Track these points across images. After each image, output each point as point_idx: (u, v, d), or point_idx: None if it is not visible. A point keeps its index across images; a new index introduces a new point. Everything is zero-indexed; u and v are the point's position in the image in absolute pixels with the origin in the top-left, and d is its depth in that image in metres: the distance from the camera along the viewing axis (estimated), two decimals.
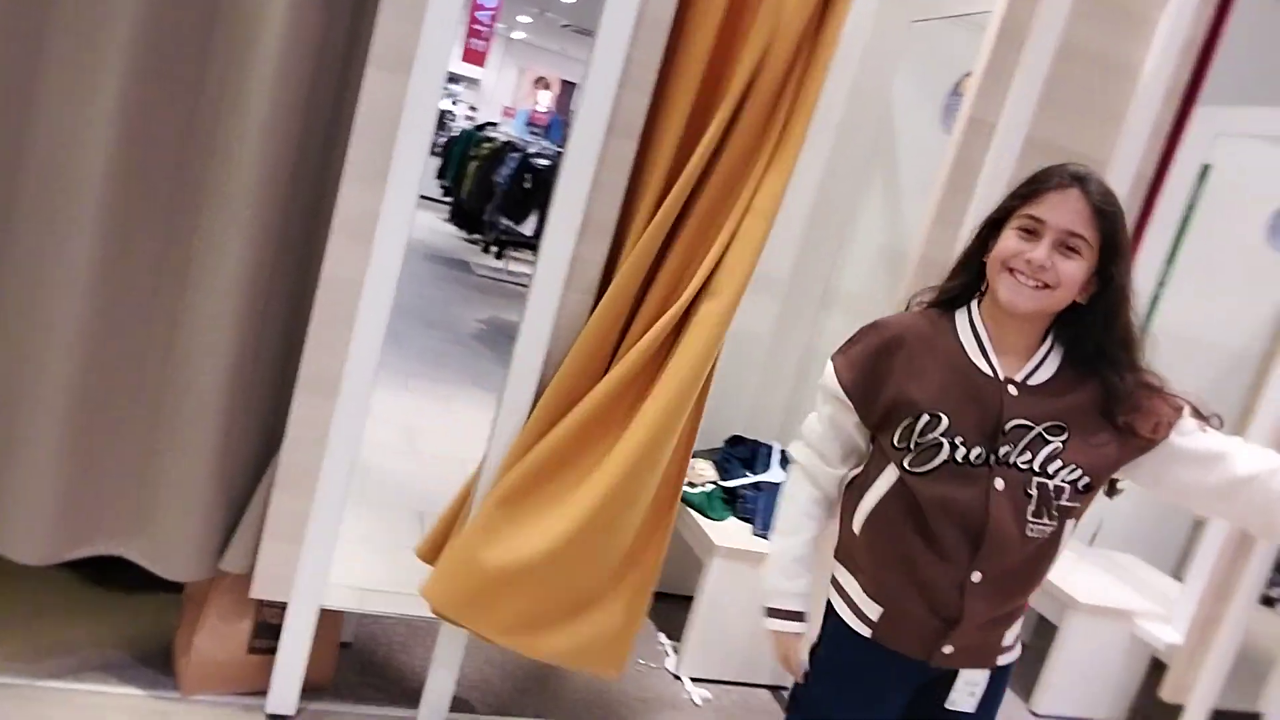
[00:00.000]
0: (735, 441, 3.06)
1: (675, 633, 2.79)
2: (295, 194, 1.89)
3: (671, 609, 2.86)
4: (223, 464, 1.90)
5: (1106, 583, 3.22)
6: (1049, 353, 1.36)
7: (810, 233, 3.14)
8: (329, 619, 2.05)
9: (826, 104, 2.76)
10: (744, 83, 1.91)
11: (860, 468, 1.47)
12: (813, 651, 1.51)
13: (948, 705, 1.42)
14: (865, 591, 1.43)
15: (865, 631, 1.42)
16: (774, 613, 1.49)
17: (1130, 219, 2.34)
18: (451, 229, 9.79)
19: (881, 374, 1.39)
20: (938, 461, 1.32)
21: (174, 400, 1.88)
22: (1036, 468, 1.32)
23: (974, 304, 1.39)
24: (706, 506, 2.72)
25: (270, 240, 1.87)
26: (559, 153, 8.75)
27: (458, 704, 2.17)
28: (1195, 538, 3.20)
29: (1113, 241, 1.29)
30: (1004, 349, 1.36)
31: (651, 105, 1.95)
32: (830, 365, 1.46)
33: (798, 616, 1.48)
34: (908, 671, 1.41)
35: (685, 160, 1.98)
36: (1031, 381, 1.35)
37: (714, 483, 2.83)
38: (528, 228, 8.06)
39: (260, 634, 2.02)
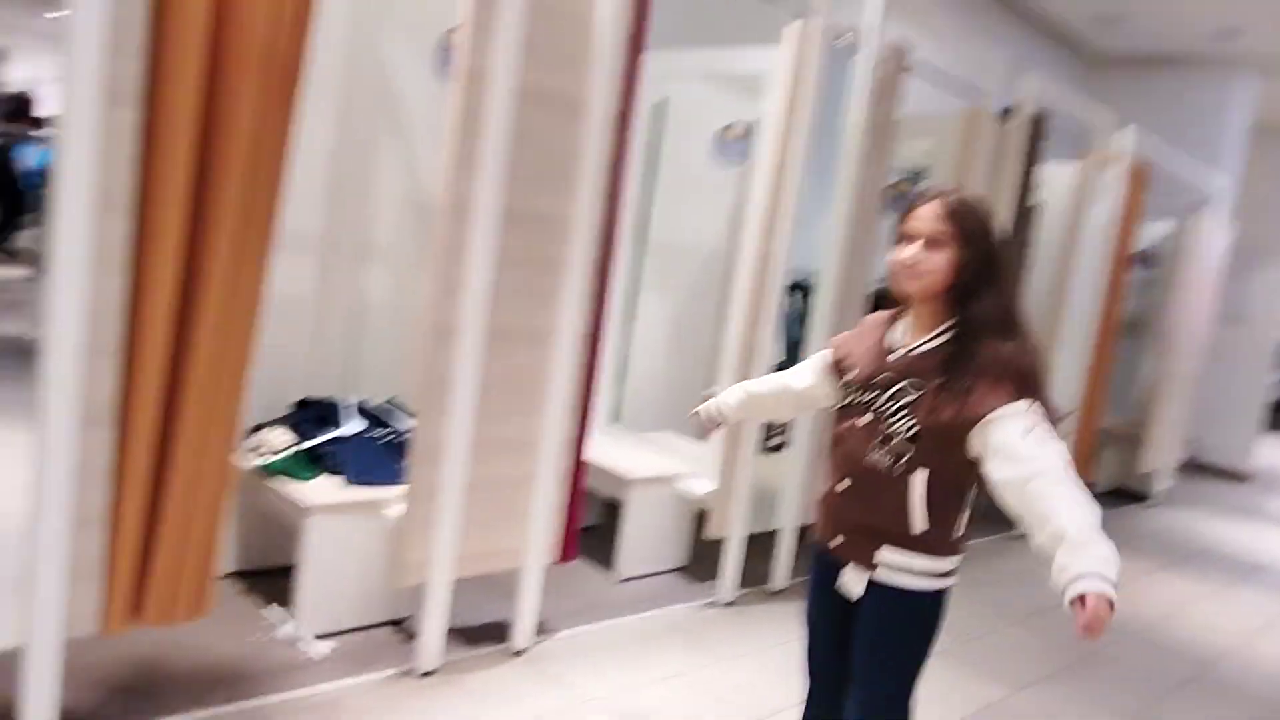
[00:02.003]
0: (304, 404, 3.08)
1: (284, 601, 2.78)
2: None
3: (274, 581, 2.85)
4: None
5: (651, 458, 3.82)
6: (945, 331, 1.74)
7: (334, 192, 3.21)
8: None
9: (325, 65, 2.84)
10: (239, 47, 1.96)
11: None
12: None
13: (837, 587, 1.84)
14: (816, 504, 1.93)
15: (816, 534, 1.92)
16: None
17: (609, 152, 2.78)
18: None
19: (849, 348, 1.90)
20: (842, 403, 1.86)
21: None
22: (889, 412, 1.74)
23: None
24: (293, 470, 2.74)
25: None
26: (4, 133, 7.44)
27: None
28: None
29: (962, 235, 1.70)
30: (919, 327, 1.77)
31: (155, 73, 1.91)
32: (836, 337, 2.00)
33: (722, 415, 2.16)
34: (830, 563, 1.86)
35: (204, 127, 1.98)
36: (919, 350, 1.75)
37: (292, 447, 2.84)
38: None
39: None
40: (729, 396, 2.18)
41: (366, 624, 2.81)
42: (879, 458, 1.74)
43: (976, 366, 1.65)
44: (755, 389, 2.17)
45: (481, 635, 2.92)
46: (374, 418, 3.10)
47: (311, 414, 3.02)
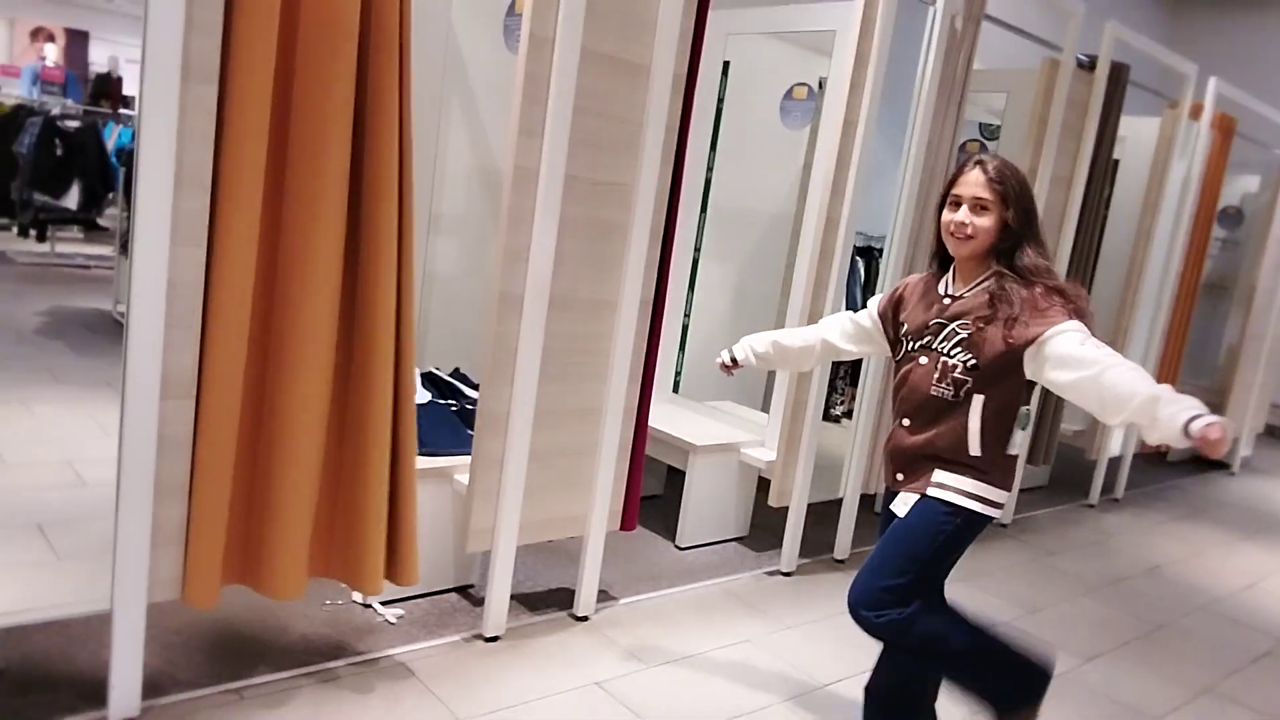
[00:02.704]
0: None
1: None
2: None
3: None
4: None
5: (714, 426, 3.80)
6: (986, 279, 1.97)
7: None
8: None
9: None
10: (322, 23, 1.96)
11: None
12: None
13: (892, 507, 2.08)
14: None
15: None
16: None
17: (675, 114, 2.74)
18: None
19: (896, 310, 2.15)
20: (901, 353, 2.09)
21: None
22: (944, 350, 1.98)
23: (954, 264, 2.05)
24: None
25: None
26: (89, 110, 7.74)
27: (148, 690, 2.09)
28: (771, 379, 3.87)
29: (1005, 198, 1.92)
30: (962, 279, 2.01)
31: (229, 49, 1.92)
32: (873, 300, 2.26)
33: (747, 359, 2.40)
34: (889, 497, 2.13)
35: (278, 102, 2.01)
36: (965, 296, 1.98)
37: None
38: (71, 201, 7.10)
39: None
40: (757, 343, 2.39)
41: (434, 590, 2.87)
42: (941, 390, 1.97)
43: (1023, 299, 1.88)
44: (785, 341, 2.37)
45: (545, 602, 2.96)
46: (441, 387, 3.13)
47: None
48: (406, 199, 2.22)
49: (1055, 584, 3.86)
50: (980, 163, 1.95)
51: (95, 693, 2.06)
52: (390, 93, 2.13)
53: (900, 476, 2.06)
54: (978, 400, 1.94)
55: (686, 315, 4.18)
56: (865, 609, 1.99)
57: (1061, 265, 4.35)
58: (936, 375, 1.98)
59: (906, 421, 2.04)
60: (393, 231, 2.18)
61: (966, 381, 1.94)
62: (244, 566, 2.19)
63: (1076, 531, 4.65)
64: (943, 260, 2.07)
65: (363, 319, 2.18)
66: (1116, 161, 4.90)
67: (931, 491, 1.98)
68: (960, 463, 1.97)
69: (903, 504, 2.03)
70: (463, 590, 2.93)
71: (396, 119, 2.16)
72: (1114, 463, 5.31)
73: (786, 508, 3.48)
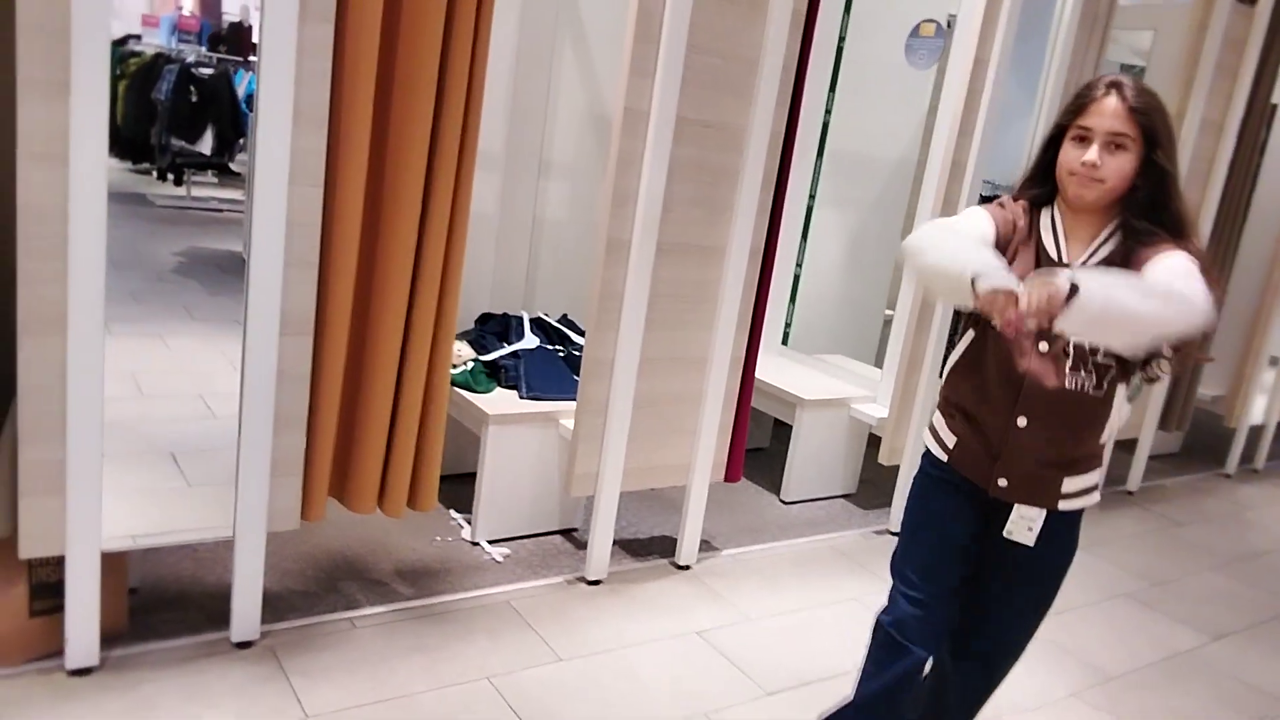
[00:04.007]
0: (485, 319, 3.16)
1: (464, 506, 2.92)
2: None
3: (455, 487, 2.98)
4: None
5: (824, 380, 3.72)
6: (1109, 238, 1.58)
7: (516, 107, 3.20)
8: (112, 565, 1.97)
9: None
10: None
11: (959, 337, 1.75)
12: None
13: (1004, 533, 1.68)
14: (947, 426, 1.75)
15: (944, 457, 1.74)
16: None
17: (793, 52, 2.63)
18: (114, 161, 8.76)
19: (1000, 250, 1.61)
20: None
21: None
22: None
23: (1054, 205, 1.63)
24: (472, 383, 2.83)
25: None
26: (221, 59, 8.04)
27: (267, 615, 2.19)
28: (885, 334, 3.74)
29: (1152, 134, 1.52)
30: (1074, 238, 1.60)
31: None
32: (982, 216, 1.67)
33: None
34: (970, 492, 1.71)
35: (389, 44, 2.01)
36: (1092, 263, 1.57)
37: (474, 359, 2.93)
38: (205, 146, 7.40)
39: (39, 595, 1.91)
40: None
41: (539, 531, 2.91)
42: (1079, 379, 1.58)
43: (1151, 254, 1.52)
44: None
45: (648, 548, 2.97)
46: (549, 333, 3.15)
47: (491, 328, 3.10)
48: (468, 144, 2.19)
49: (1182, 556, 3.65)
50: (1117, 86, 1.53)
51: (219, 614, 2.18)
52: (467, 38, 2.09)
53: (1005, 483, 1.67)
54: (1121, 388, 1.60)
55: (799, 265, 4.08)
56: (986, 693, 1.82)
57: (1208, 218, 4.05)
58: (1070, 362, 1.58)
59: (1024, 421, 1.62)
60: (433, 170, 2.16)
61: (1110, 368, 1.57)
62: (338, 485, 2.28)
63: (1209, 502, 4.39)
64: (1033, 199, 1.67)
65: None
66: (1275, 105, 4.50)
67: (1066, 506, 1.67)
68: (1090, 456, 1.67)
69: (1024, 526, 1.66)
70: (567, 533, 2.97)
71: (478, 65, 2.13)
72: (1255, 431, 4.97)
73: (897, 466, 3.38)
